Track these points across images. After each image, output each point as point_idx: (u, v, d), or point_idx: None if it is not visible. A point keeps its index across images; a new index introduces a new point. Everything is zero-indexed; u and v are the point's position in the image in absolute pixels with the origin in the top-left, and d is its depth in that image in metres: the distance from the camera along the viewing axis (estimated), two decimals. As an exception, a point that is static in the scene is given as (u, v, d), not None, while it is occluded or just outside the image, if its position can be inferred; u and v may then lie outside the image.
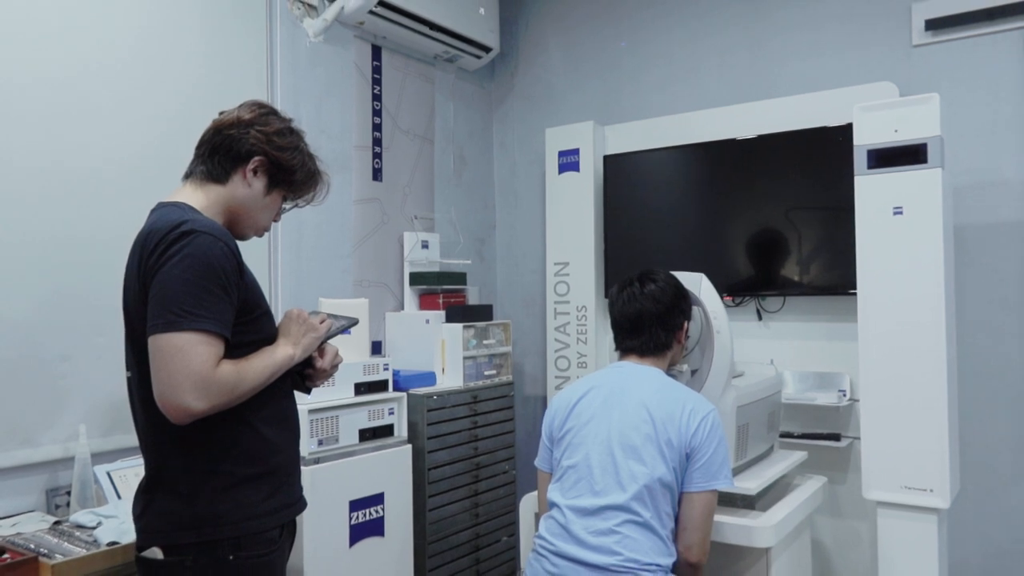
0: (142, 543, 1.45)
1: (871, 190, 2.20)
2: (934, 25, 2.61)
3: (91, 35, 2.19)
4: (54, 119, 2.10)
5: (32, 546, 1.71)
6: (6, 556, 1.63)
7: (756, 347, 2.88)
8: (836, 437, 2.68)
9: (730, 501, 2.13)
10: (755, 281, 2.89)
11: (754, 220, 2.87)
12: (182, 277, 1.34)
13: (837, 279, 2.67)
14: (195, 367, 1.31)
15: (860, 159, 2.21)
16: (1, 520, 1.91)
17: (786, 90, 2.93)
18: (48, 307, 2.07)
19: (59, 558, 1.64)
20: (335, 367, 1.66)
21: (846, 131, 2.43)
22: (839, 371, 2.71)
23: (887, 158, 2.16)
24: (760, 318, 2.93)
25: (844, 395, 2.66)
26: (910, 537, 2.16)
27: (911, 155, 2.12)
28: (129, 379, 1.51)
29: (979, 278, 2.59)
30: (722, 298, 2.18)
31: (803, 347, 2.83)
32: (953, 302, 2.28)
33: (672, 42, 3.28)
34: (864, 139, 2.21)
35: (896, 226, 2.16)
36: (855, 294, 2.28)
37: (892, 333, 2.17)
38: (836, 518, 2.74)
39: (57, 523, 1.90)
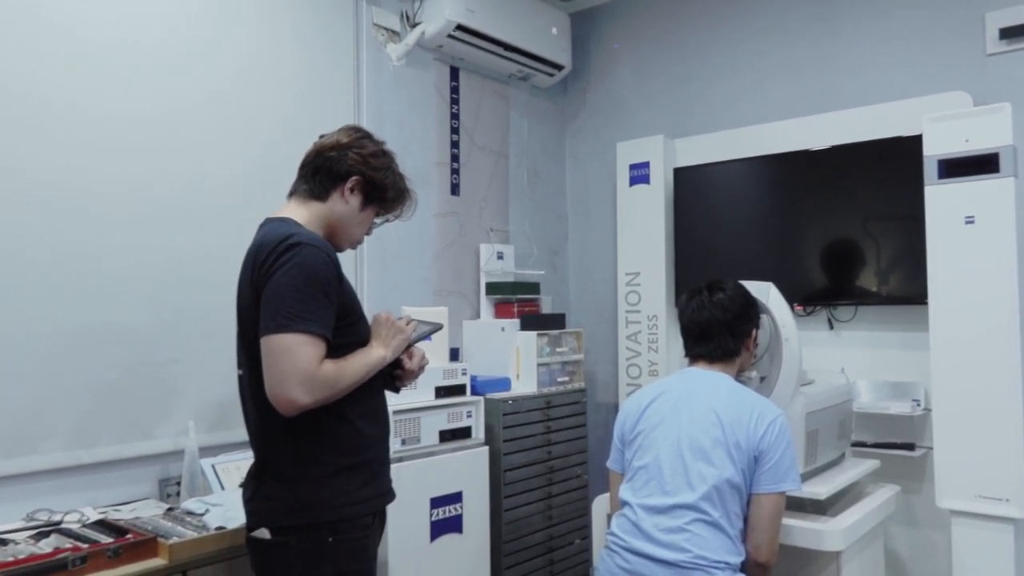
0: (252, 524, 1.62)
1: (942, 200, 2.22)
2: (1008, 34, 2.60)
3: (201, 72, 2.41)
4: (168, 150, 2.32)
5: (150, 528, 1.89)
6: (129, 536, 1.81)
7: (827, 356, 2.89)
8: (910, 447, 2.67)
9: (800, 506, 2.16)
10: (827, 291, 2.91)
11: (826, 230, 2.89)
12: (291, 284, 1.50)
13: (910, 288, 2.67)
14: (302, 365, 1.47)
15: (930, 169, 2.23)
16: (121, 505, 2.12)
17: (857, 101, 2.95)
18: (162, 317, 2.29)
19: (175, 539, 1.82)
20: (422, 368, 1.80)
21: (918, 141, 2.44)
22: (913, 380, 2.70)
23: (958, 167, 2.17)
24: (832, 327, 2.94)
25: (918, 404, 2.65)
26: (985, 547, 2.15)
27: (983, 164, 2.13)
28: (240, 377, 1.68)
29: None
30: (793, 308, 2.22)
31: (876, 356, 2.83)
32: (1029, 311, 2.26)
33: (740, 57, 3.33)
34: (934, 149, 2.23)
35: (968, 235, 2.17)
36: (927, 304, 2.29)
37: (964, 342, 2.17)
38: (911, 528, 2.72)
39: (170, 509, 2.08)
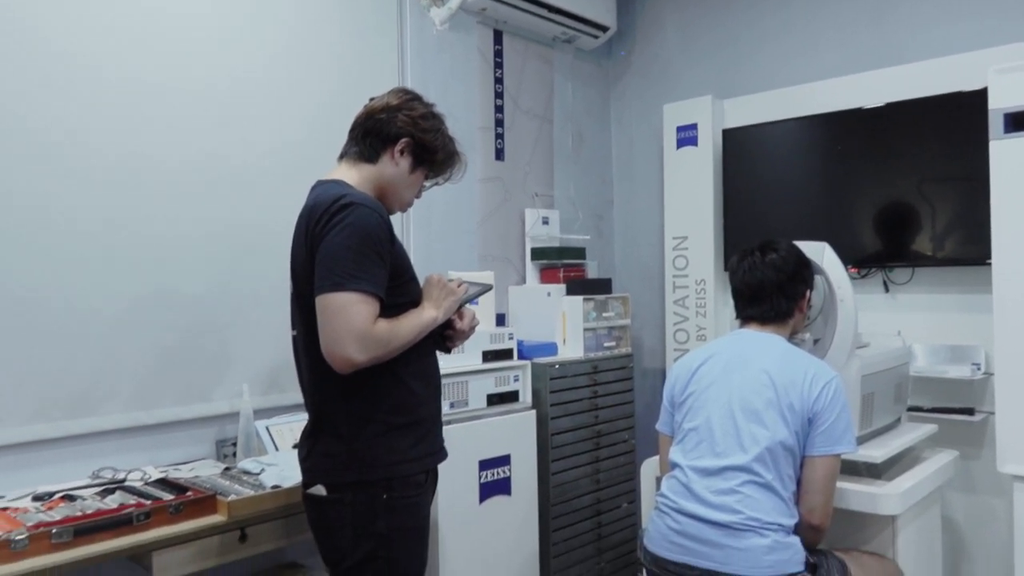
0: (308, 481, 1.65)
1: (1008, 155, 2.13)
2: (1081, -21, 2.47)
3: (250, 43, 2.42)
4: (219, 120, 2.35)
5: (209, 486, 1.95)
6: (189, 493, 1.87)
7: (883, 320, 2.82)
8: (970, 411, 2.60)
9: (855, 470, 2.13)
10: (882, 253, 2.83)
11: (882, 191, 2.80)
12: (345, 244, 1.51)
13: (970, 249, 2.58)
14: (356, 323, 1.48)
15: (996, 123, 2.14)
16: (181, 465, 2.18)
17: (915, 56, 2.83)
18: (216, 283, 2.33)
19: (233, 496, 1.87)
20: (472, 329, 1.80)
21: (982, 95, 2.34)
22: (973, 344, 2.62)
23: (1026, 121, 2.08)
24: (887, 290, 2.87)
25: (978, 368, 2.58)
26: (1049, 513, 2.10)
27: (1053, 117, 2.04)
28: (295, 337, 1.71)
29: None
30: (847, 270, 2.17)
31: (933, 320, 2.75)
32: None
33: (791, 13, 3.22)
34: (1000, 103, 2.13)
35: (1036, 191, 2.08)
36: (990, 264, 2.21)
37: (1030, 302, 2.10)
38: (969, 494, 2.66)
39: (227, 469, 2.14)
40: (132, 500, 1.82)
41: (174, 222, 2.24)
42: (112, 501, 1.82)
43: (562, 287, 3.09)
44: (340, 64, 2.66)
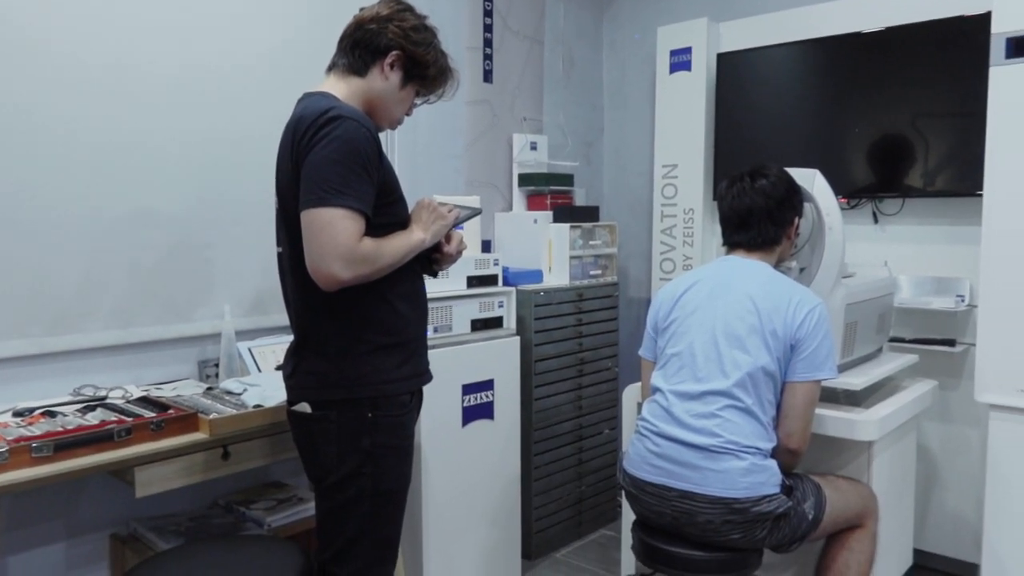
0: (293, 399, 1.65)
1: (1008, 81, 2.08)
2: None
3: (222, -61, 2.30)
4: (202, 29, 2.25)
5: (191, 405, 1.95)
6: (171, 411, 1.87)
7: (871, 250, 2.81)
8: (951, 343, 2.62)
9: (834, 397, 2.15)
10: (874, 184, 2.80)
11: (878, 121, 2.75)
12: (331, 158, 1.47)
13: (962, 181, 2.55)
14: (342, 239, 1.45)
15: (997, 48, 2.08)
16: (163, 384, 2.18)
17: (920, -22, 2.74)
18: (196, 201, 2.28)
19: (214, 415, 1.86)
20: (460, 252, 1.78)
21: (985, 20, 2.27)
22: (958, 276, 2.63)
23: (1028, 46, 2.03)
24: (876, 221, 2.85)
25: (962, 300, 2.59)
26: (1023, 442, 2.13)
27: (1056, 42, 1.98)
28: (280, 254, 1.68)
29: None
30: (837, 199, 2.14)
31: (921, 252, 2.74)
32: (1091, 202, 2.15)
33: (796, -70, 3.10)
34: (1003, 26, 2.07)
35: (1033, 120, 2.04)
36: (980, 195, 2.18)
37: (1019, 233, 2.08)
38: (946, 424, 2.71)
39: (209, 389, 2.14)
40: (113, 417, 1.82)
41: (154, 136, 2.17)
42: (93, 418, 1.82)
43: (549, 214, 3.06)
44: (323, -25, 2.55)
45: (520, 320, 2.80)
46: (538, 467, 2.91)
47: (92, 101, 2.05)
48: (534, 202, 3.24)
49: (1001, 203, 2.12)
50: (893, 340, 2.65)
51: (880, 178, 2.78)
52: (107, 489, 2.12)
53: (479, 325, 2.63)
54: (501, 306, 2.71)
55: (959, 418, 2.67)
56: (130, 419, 1.79)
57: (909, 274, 2.74)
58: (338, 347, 1.59)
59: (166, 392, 2.08)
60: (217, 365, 2.28)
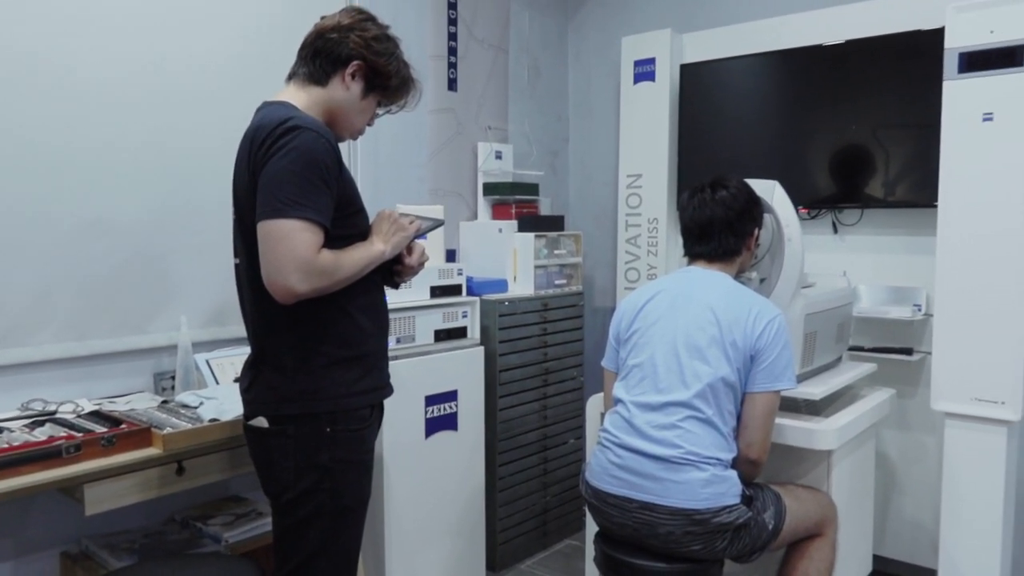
0: (250, 413, 1.62)
1: (960, 96, 2.12)
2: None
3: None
4: (157, 29, 2.20)
5: (144, 419, 1.90)
6: (123, 426, 1.82)
7: (830, 260, 2.85)
8: (908, 351, 2.66)
9: (794, 407, 2.17)
10: (833, 194, 2.84)
11: (838, 132, 2.79)
12: (288, 169, 1.44)
13: (920, 192, 2.60)
14: (299, 251, 1.43)
15: (950, 63, 2.13)
16: (116, 398, 2.12)
17: (878, -7, 2.79)
18: (153, 210, 2.23)
19: (169, 429, 1.82)
20: (422, 264, 1.76)
21: (940, 35, 2.31)
22: (915, 286, 2.67)
23: (979, 61, 2.07)
24: (836, 231, 2.89)
25: (919, 309, 2.63)
26: (978, 449, 2.17)
27: (1006, 57, 2.03)
28: (237, 265, 1.65)
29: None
30: (797, 210, 2.16)
31: (879, 261, 2.79)
32: (1042, 214, 2.20)
33: (757, -57, 3.14)
34: (956, 42, 2.11)
35: (985, 133, 2.09)
36: (936, 207, 2.22)
37: (972, 243, 2.12)
38: (903, 431, 2.75)
39: (164, 402, 2.09)
40: (63, 432, 1.77)
41: (109, 143, 2.12)
42: (41, 434, 1.77)
43: (514, 223, 3.05)
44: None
45: (484, 330, 2.79)
46: (503, 478, 2.89)
47: (43, 104, 1.99)
48: (499, 211, 3.23)
49: (955, 214, 2.16)
50: (853, 348, 2.69)
51: (840, 188, 2.82)
52: (57, 505, 2.06)
53: (443, 335, 2.61)
54: (465, 316, 2.70)
55: (917, 426, 2.71)
56: (80, 434, 1.74)
57: (868, 283, 2.78)
58: (296, 360, 1.56)
59: (119, 406, 2.03)
60: (174, 378, 2.23)
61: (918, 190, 2.60)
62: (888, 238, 2.77)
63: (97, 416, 1.91)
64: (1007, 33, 2.03)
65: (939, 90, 2.20)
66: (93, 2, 2.07)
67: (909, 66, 2.59)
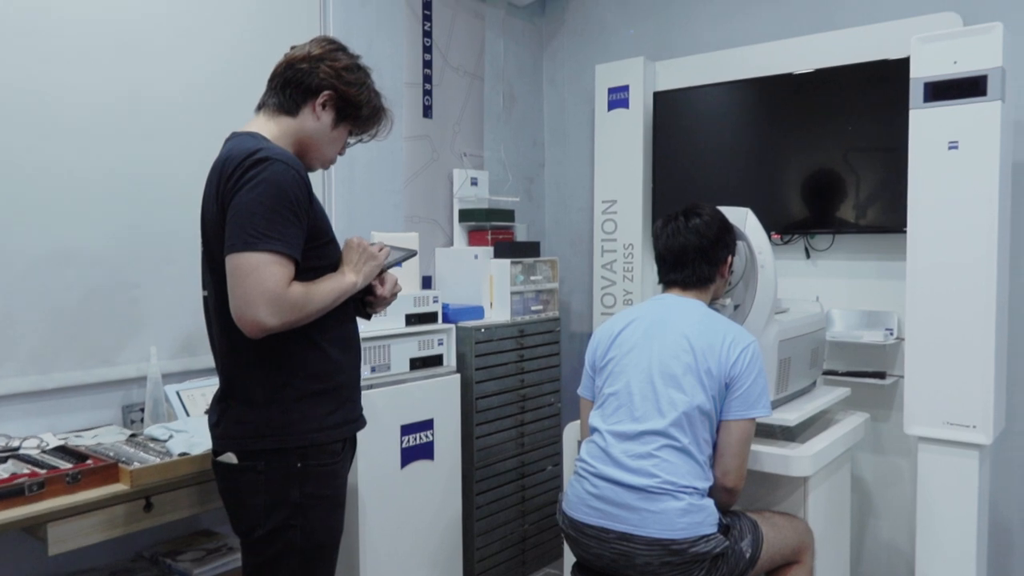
0: (218, 449, 1.59)
1: (926, 124, 2.16)
2: (1002, -48, 2.50)
3: (152, -27, 2.25)
4: (126, 58, 2.19)
5: (112, 454, 1.85)
6: (89, 461, 1.77)
7: (803, 285, 2.87)
8: (881, 375, 2.68)
9: (770, 433, 2.17)
10: (807, 220, 2.87)
11: (809, 158, 2.83)
12: (257, 201, 1.42)
13: (890, 217, 2.63)
14: (268, 285, 1.41)
15: (916, 92, 2.17)
16: (83, 431, 2.08)
17: (846, 22, 2.84)
18: (122, 239, 2.20)
19: (136, 465, 1.78)
20: (395, 295, 1.74)
21: (907, 64, 2.36)
22: (887, 310, 2.70)
23: (944, 91, 2.11)
24: (808, 256, 2.91)
25: (891, 333, 2.66)
26: (951, 473, 2.18)
27: (969, 87, 2.07)
28: (205, 298, 1.62)
29: (1038, 217, 2.53)
30: (770, 236, 2.18)
31: (852, 286, 2.82)
32: (1008, 239, 2.24)
33: (727, -26, 3.20)
34: (921, 71, 2.15)
35: (951, 161, 2.12)
36: (906, 232, 2.25)
37: (941, 270, 2.15)
38: (878, 455, 2.76)
39: (133, 435, 2.04)
40: (26, 470, 1.72)
41: (75, 172, 2.09)
42: (3, 471, 1.72)
43: (490, 250, 3.05)
44: (258, 8, 2.51)
45: (461, 357, 2.77)
46: (480, 507, 2.86)
47: (8, 132, 1.96)
48: (475, 237, 3.22)
49: (924, 239, 2.19)
50: (827, 373, 2.70)
51: (812, 214, 2.85)
52: (20, 544, 2.00)
53: (418, 363, 2.59)
54: (441, 344, 2.68)
55: (891, 449, 2.73)
56: (43, 471, 1.70)
57: (841, 308, 2.80)
58: (265, 394, 1.53)
59: (86, 440, 1.99)
60: (143, 410, 2.19)
61: (888, 214, 2.64)
62: (860, 263, 2.81)
63: (63, 451, 1.86)
64: (970, 63, 2.07)
65: (907, 116, 2.24)
66: (61, 31, 2.06)
67: (878, 94, 2.64)
